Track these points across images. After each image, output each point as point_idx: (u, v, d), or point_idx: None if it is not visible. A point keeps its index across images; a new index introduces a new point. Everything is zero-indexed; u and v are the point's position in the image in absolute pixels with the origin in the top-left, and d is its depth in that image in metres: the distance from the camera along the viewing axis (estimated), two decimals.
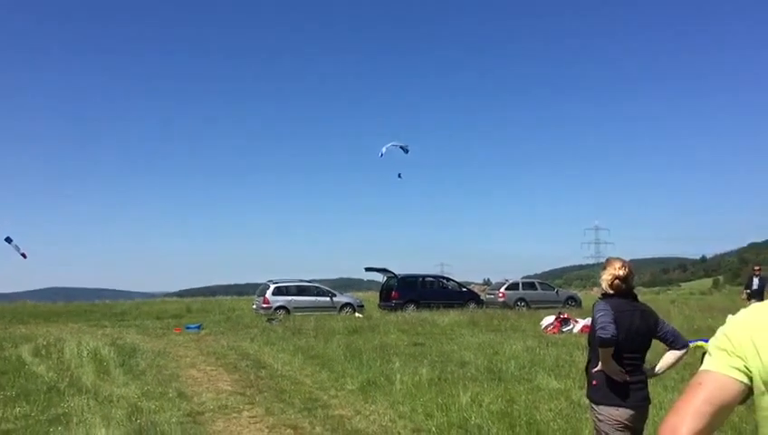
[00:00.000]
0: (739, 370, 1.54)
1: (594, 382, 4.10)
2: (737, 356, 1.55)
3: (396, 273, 31.23)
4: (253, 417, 8.42)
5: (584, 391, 9.18)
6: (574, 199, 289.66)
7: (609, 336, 3.84)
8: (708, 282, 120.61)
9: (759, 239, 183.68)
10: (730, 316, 1.68)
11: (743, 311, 1.66)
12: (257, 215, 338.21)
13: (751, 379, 1.53)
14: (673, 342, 4.19)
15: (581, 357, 12.86)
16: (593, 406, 4.12)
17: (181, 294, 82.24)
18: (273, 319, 24.08)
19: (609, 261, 4.25)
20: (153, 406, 8.83)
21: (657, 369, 4.22)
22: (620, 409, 3.96)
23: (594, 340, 4.10)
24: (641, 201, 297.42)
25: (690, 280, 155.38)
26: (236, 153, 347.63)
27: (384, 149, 28.25)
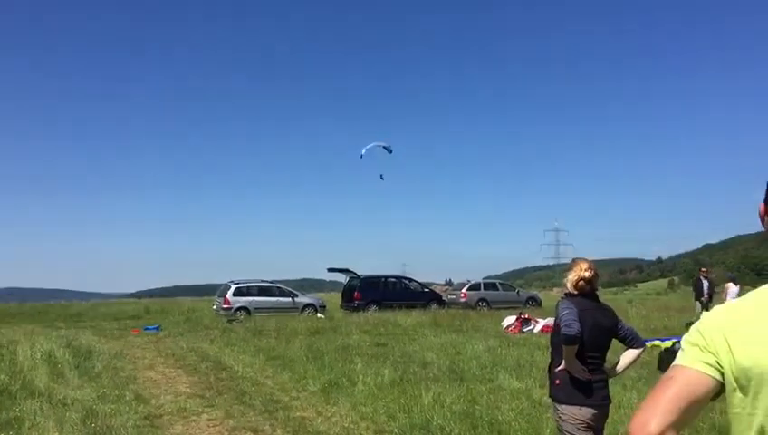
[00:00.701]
0: (711, 365, 1.52)
1: (557, 382, 4.11)
2: (709, 352, 1.53)
3: (358, 273, 31.19)
4: (212, 420, 8.27)
5: (545, 390, 9.29)
6: (534, 201, 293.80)
7: (573, 333, 3.86)
8: (664, 283, 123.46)
9: (713, 241, 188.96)
10: (705, 313, 1.68)
11: (716, 308, 1.64)
12: (218, 215, 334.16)
13: (723, 375, 1.52)
14: (631, 341, 4.24)
15: (542, 357, 12.98)
16: (556, 405, 4.13)
17: (139, 295, 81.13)
18: (233, 320, 23.81)
19: (575, 262, 4.27)
20: (109, 409, 8.60)
21: (617, 368, 4.25)
22: (583, 408, 3.98)
23: (557, 338, 4.11)
24: (599, 203, 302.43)
25: (646, 281, 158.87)
26: (197, 153, 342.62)
27: (364, 150, 27.85)
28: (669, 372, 1.57)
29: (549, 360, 4.35)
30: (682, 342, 1.64)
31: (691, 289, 22.11)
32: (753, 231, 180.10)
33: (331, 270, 33.72)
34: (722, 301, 19.10)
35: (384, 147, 28.58)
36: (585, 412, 3.97)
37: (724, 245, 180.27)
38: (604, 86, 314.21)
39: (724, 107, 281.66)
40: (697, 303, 19.45)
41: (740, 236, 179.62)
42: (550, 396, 4.25)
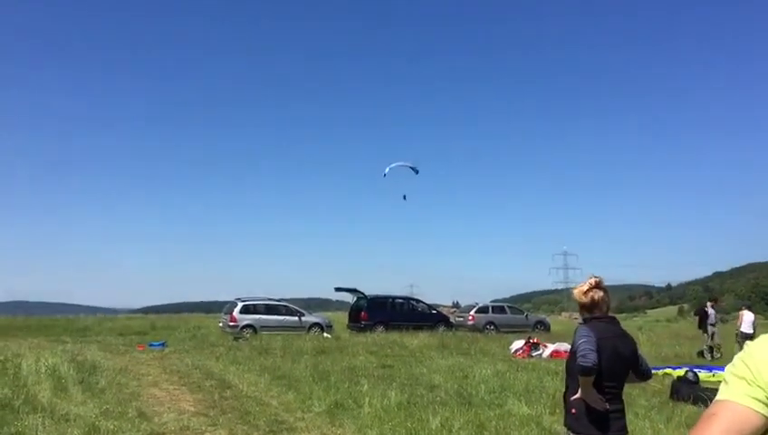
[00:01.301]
0: (760, 401, 1.39)
1: (573, 411, 3.96)
2: (758, 386, 1.40)
3: (366, 293, 31.03)
4: None
5: (556, 417, 9.09)
6: (544, 224, 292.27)
7: (590, 365, 3.71)
8: (674, 310, 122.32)
9: (723, 269, 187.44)
10: (749, 343, 1.54)
11: (763, 337, 1.51)
12: (227, 232, 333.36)
13: None
14: (643, 374, 4.11)
15: (552, 382, 12.80)
16: None
17: (146, 310, 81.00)
18: (239, 338, 23.67)
19: (587, 283, 4.15)
20: (111, 426, 8.48)
21: None
22: None
23: (573, 367, 3.97)
24: (609, 228, 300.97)
25: (656, 307, 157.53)
26: (203, 168, 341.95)
27: (388, 169, 27.38)
28: (712, 408, 1.43)
29: (564, 387, 4.19)
30: (726, 374, 1.51)
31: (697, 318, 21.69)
32: (763, 259, 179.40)
33: (338, 289, 33.57)
34: (736, 329, 18.93)
35: (411, 167, 28.08)
36: None
37: (735, 272, 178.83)
38: (615, 111, 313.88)
39: (737, 136, 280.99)
40: (705, 333, 19.20)
41: (751, 263, 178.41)
42: (565, 425, 4.09)
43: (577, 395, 3.90)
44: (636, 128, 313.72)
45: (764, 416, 1.38)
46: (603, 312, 4.04)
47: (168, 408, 10.16)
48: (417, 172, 28.43)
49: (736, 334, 19.05)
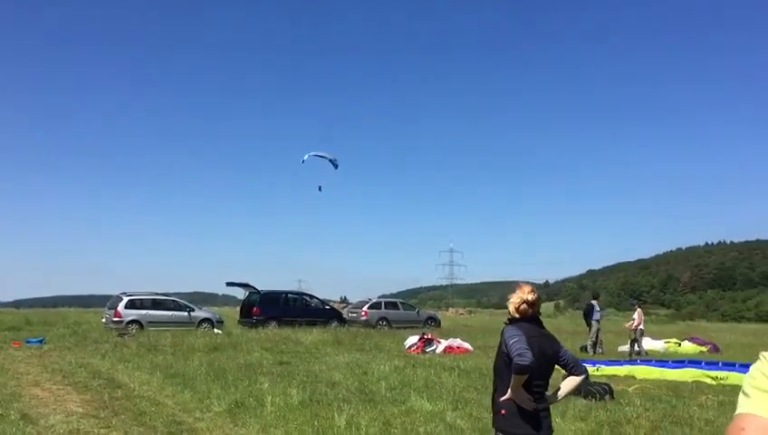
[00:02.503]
0: None
1: (503, 412, 3.98)
2: None
3: (258, 288, 30.52)
4: None
5: (458, 413, 9.25)
6: (430, 221, 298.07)
7: (527, 363, 3.75)
8: (551, 305, 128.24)
9: (596, 267, 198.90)
10: (764, 353, 1.54)
11: None
12: (101, 222, 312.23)
13: None
14: (573, 368, 4.19)
15: (449, 378, 13.05)
16: None
17: (16, 304, 76.00)
18: (125, 334, 22.60)
19: (518, 285, 4.20)
20: None
21: (558, 394, 4.20)
22: None
23: (503, 367, 4.00)
24: (492, 226, 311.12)
25: None
26: (80, 153, 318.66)
27: (307, 156, 26.66)
28: (739, 422, 1.41)
29: (493, 387, 4.21)
30: (745, 386, 1.50)
31: (582, 313, 22.71)
32: (632, 259, 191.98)
33: (229, 284, 32.85)
34: (631, 326, 20.13)
35: (330, 160, 27.42)
36: None
37: (607, 270, 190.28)
38: (498, 110, 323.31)
39: (615, 138, 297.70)
40: (591, 328, 20.09)
41: (621, 263, 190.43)
42: (495, 427, 4.12)
43: (506, 396, 3.93)
44: (520, 127, 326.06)
45: None
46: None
47: (54, 409, 9.51)
48: (336, 167, 27.86)
49: (633, 330, 20.17)
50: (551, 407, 4.21)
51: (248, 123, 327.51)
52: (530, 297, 4.10)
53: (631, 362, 16.16)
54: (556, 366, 4.21)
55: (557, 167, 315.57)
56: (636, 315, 20.15)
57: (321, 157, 27.11)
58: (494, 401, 4.12)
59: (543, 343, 4.07)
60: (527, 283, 4.23)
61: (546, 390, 4.12)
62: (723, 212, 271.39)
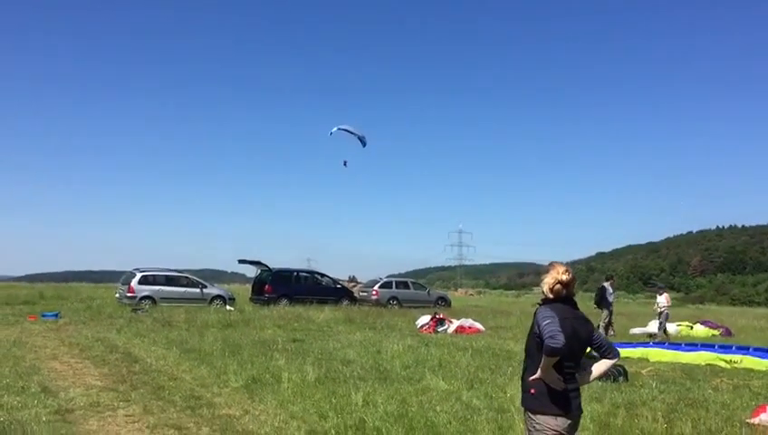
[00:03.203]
0: None
1: (532, 391, 3.98)
2: None
3: (270, 266, 30.64)
4: (129, 416, 7.75)
5: (473, 392, 9.29)
6: (440, 202, 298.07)
7: (560, 346, 3.73)
8: None
9: (606, 249, 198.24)
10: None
11: None
12: (113, 199, 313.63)
13: None
14: (606, 351, 4.17)
15: (463, 358, 13.11)
16: (530, 415, 4.01)
17: (30, 278, 76.68)
18: (138, 309, 22.80)
19: (552, 265, 4.15)
20: (15, 402, 7.95)
21: (591, 377, 4.19)
22: (559, 418, 3.88)
23: (534, 347, 3.99)
24: (502, 208, 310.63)
25: None
26: (91, 134, 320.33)
27: (336, 129, 25.97)
28: None
29: (523, 367, 4.21)
30: None
31: (594, 295, 22.55)
32: (642, 242, 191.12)
33: (241, 262, 33.05)
34: (658, 309, 20.35)
35: (359, 137, 26.68)
36: (561, 422, 3.88)
37: (616, 253, 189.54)
38: (511, 98, 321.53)
39: (625, 124, 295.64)
40: (604, 310, 20.01)
41: (630, 245, 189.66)
42: (523, 406, 4.12)
43: (536, 375, 3.93)
44: (529, 113, 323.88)
45: None
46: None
47: (73, 383, 9.62)
48: (364, 145, 27.09)
49: (659, 313, 20.44)
50: (581, 388, 4.19)
51: (264, 106, 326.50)
52: (564, 277, 4.05)
53: (644, 344, 16.13)
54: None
55: (568, 150, 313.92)
56: (663, 299, 20.41)
57: (349, 132, 26.40)
58: (523, 380, 4.11)
59: (577, 325, 4.03)
60: (561, 263, 4.16)
61: (577, 371, 4.10)
62: (734, 196, 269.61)
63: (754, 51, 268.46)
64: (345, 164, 27.52)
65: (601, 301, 20.03)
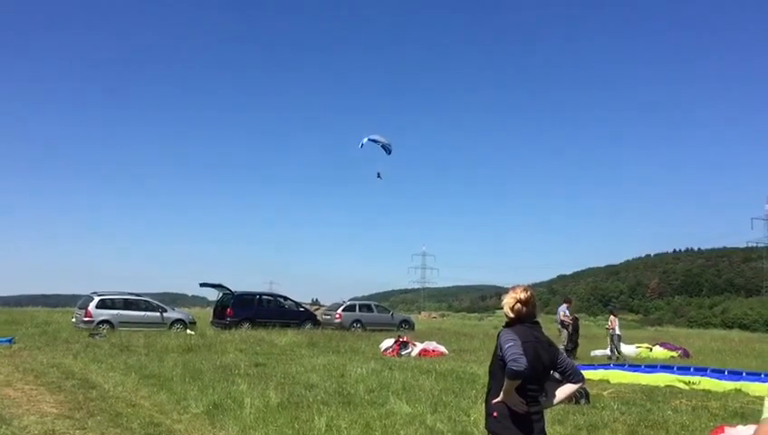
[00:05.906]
0: None
1: (494, 414, 4.00)
2: None
3: (232, 289, 30.29)
4: None
5: (437, 416, 9.27)
6: (400, 224, 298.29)
7: (522, 369, 3.76)
8: None
9: (567, 272, 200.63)
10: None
11: None
12: (66, 221, 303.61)
13: None
14: (570, 375, 4.21)
15: (427, 381, 13.10)
16: None
17: None
18: (96, 334, 22.26)
19: (512, 288, 4.21)
20: None
21: (555, 400, 4.22)
22: None
23: (498, 370, 4.01)
24: (464, 231, 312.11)
25: None
26: (47, 150, 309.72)
27: (366, 140, 25.27)
28: (765, 428, 1.45)
29: (487, 389, 4.22)
30: None
31: (555, 318, 22.83)
32: (602, 264, 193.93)
33: (203, 285, 32.56)
34: (610, 332, 20.99)
35: (383, 145, 25.92)
36: None
37: (576, 276, 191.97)
38: (464, 111, 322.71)
39: (582, 145, 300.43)
40: (563, 331, 20.28)
41: (590, 268, 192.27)
42: (487, 428, 4.13)
43: (498, 398, 3.95)
44: (490, 138, 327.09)
45: None
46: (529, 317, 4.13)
47: (27, 410, 9.32)
48: (389, 153, 26.31)
49: (611, 336, 21.07)
50: (544, 411, 4.22)
51: (219, 122, 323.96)
52: (523, 296, 4.10)
53: (605, 366, 16.34)
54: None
55: (528, 172, 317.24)
56: (609, 322, 21.11)
57: (375, 141, 25.66)
58: (487, 402, 4.13)
59: (540, 349, 4.07)
60: (520, 285, 4.23)
61: (540, 393, 4.13)
62: (691, 220, 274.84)
63: (704, 79, 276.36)
64: (379, 176, 26.56)
65: (561, 323, 20.36)
